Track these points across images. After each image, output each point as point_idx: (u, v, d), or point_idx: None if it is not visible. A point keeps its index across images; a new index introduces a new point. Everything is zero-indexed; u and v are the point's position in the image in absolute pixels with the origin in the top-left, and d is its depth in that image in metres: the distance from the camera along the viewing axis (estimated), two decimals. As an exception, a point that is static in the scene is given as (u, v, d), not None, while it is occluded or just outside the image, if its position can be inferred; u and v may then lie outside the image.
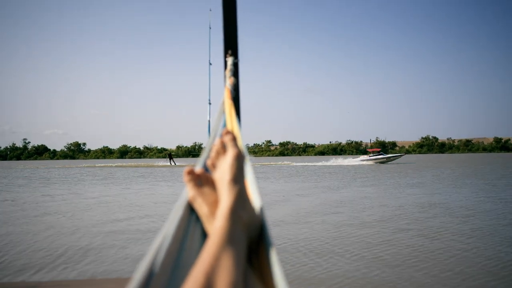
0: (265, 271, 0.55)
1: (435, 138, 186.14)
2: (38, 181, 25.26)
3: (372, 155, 51.08)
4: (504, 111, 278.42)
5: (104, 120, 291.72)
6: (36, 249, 7.02)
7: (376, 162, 48.63)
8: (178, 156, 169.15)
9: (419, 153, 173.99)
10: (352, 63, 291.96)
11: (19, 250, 7.00)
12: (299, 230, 8.44)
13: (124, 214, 10.80)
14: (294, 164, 51.10)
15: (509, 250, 6.69)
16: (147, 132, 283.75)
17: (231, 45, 1.89)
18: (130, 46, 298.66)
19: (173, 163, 53.75)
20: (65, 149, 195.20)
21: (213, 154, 0.77)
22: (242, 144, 0.85)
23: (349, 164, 48.35)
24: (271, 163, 56.22)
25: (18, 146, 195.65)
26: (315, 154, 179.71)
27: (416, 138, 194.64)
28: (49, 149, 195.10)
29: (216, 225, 0.57)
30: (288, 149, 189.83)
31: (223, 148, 0.76)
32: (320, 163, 50.71)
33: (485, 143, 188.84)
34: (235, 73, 1.80)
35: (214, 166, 0.76)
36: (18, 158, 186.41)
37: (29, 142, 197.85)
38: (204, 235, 0.67)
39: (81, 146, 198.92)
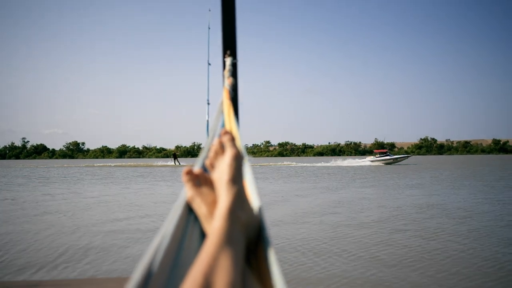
0: (263, 271, 0.55)
1: (434, 140, 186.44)
2: (38, 180, 25.25)
3: (379, 156, 50.86)
4: (503, 113, 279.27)
5: (103, 120, 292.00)
6: (36, 249, 7.01)
7: (383, 163, 48.47)
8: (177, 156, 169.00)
9: (418, 154, 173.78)
10: (351, 64, 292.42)
11: (19, 249, 6.99)
12: (297, 230, 8.44)
13: (124, 213, 10.79)
14: (301, 165, 50.86)
15: (506, 251, 6.70)
16: (146, 132, 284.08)
17: (230, 46, 1.89)
18: (129, 46, 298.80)
19: (177, 163, 53.61)
20: (64, 149, 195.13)
21: (211, 154, 0.77)
22: (240, 144, 0.85)
23: (355, 164, 48.15)
24: (277, 163, 56.20)
25: (17, 145, 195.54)
26: (314, 155, 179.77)
27: (414, 139, 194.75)
28: (48, 149, 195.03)
29: (215, 225, 0.57)
30: (287, 150, 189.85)
31: (222, 148, 0.76)
32: (325, 164, 50.64)
33: (484, 144, 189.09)
34: (234, 73, 1.80)
35: (212, 166, 0.76)
36: (17, 157, 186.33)
37: (28, 141, 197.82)
38: (202, 235, 0.67)
39: (80, 145, 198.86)
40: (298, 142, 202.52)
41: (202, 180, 0.72)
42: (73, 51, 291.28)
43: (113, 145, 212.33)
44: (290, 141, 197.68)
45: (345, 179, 23.83)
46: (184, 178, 0.71)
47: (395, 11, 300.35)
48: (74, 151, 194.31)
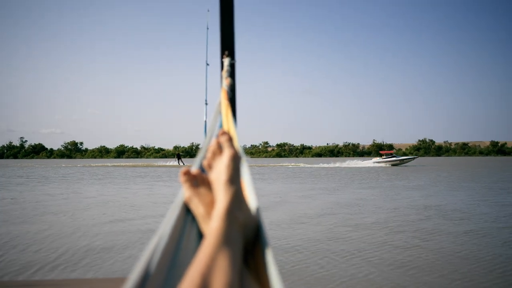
0: (261, 271, 0.55)
1: (432, 141, 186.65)
2: (37, 180, 25.19)
3: (385, 157, 50.78)
4: (501, 115, 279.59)
5: (102, 120, 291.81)
6: (36, 249, 6.98)
7: (389, 164, 48.43)
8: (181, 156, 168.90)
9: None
10: (350, 65, 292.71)
11: (19, 249, 6.96)
12: (294, 230, 8.45)
13: (124, 214, 10.79)
14: (309, 166, 50.73)
15: (502, 252, 6.72)
16: (145, 132, 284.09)
17: (228, 46, 1.89)
18: (128, 46, 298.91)
19: (181, 163, 53.49)
20: (62, 148, 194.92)
21: (209, 154, 0.77)
22: (238, 144, 0.85)
23: (361, 166, 47.97)
24: (283, 164, 56.24)
25: (15, 144, 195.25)
26: (312, 156, 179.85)
27: (413, 140, 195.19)
28: (46, 148, 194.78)
29: (212, 225, 0.57)
30: (285, 151, 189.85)
31: (219, 148, 0.76)
32: (333, 165, 50.60)
33: (482, 146, 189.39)
34: (232, 74, 1.80)
35: (210, 166, 0.76)
36: (15, 156, 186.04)
37: (26, 140, 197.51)
38: (200, 236, 0.67)
39: (78, 145, 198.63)
40: (297, 143, 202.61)
41: (199, 181, 0.72)
42: (72, 51, 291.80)
43: (112, 145, 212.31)
44: (288, 142, 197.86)
45: (356, 180, 23.88)
46: (181, 178, 0.72)
47: (395, 13, 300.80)
48: (72, 151, 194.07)
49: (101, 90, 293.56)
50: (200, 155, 0.84)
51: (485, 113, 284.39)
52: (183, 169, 0.72)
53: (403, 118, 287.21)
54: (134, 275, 0.44)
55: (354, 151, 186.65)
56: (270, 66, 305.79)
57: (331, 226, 9.04)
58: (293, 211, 11.24)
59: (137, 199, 14.31)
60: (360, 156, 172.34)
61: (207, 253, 0.50)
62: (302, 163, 59.40)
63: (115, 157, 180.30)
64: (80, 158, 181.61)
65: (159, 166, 49.75)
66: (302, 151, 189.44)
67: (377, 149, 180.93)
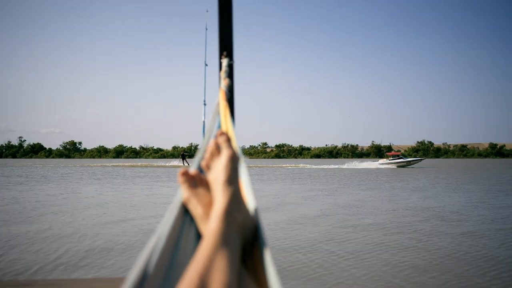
0: (259, 272, 0.55)
1: (431, 143, 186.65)
2: (37, 179, 25.16)
3: (391, 158, 50.62)
4: (500, 117, 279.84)
5: (101, 120, 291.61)
6: (36, 249, 6.98)
7: (396, 166, 48.25)
8: (174, 156, 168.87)
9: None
10: (349, 66, 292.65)
11: (19, 249, 6.95)
12: (293, 231, 8.46)
13: (124, 214, 10.79)
14: (316, 167, 50.68)
15: (499, 254, 6.73)
16: (143, 132, 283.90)
17: (226, 47, 1.89)
18: (128, 47, 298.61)
19: (186, 164, 53.41)
20: (61, 148, 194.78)
21: (207, 155, 0.77)
22: (236, 145, 0.86)
23: (367, 167, 47.79)
24: (289, 165, 56.30)
25: (14, 144, 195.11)
26: (311, 157, 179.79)
27: (411, 142, 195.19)
28: (45, 148, 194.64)
29: (211, 226, 0.57)
30: (284, 152, 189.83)
31: (218, 149, 0.76)
32: (337, 166, 50.60)
33: (481, 148, 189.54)
34: (230, 74, 1.80)
35: (208, 167, 0.76)
36: (14, 156, 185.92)
37: (25, 140, 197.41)
38: (198, 236, 0.67)
39: (77, 145, 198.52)
40: (295, 144, 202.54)
41: (198, 181, 0.72)
42: (72, 51, 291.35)
43: (110, 145, 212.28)
44: (287, 142, 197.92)
45: (367, 181, 23.90)
46: (179, 179, 0.72)
47: (393, 12, 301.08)
48: (71, 150, 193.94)
49: (101, 90, 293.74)
50: (198, 155, 0.84)
51: (484, 115, 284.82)
52: (181, 170, 0.72)
53: (402, 119, 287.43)
54: (133, 275, 0.44)
55: (353, 152, 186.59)
56: (269, 67, 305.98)
57: (329, 227, 9.05)
58: (292, 211, 11.26)
59: (137, 199, 14.31)
60: (359, 157, 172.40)
61: (205, 253, 0.50)
62: (308, 164, 59.29)
63: (113, 157, 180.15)
64: (79, 158, 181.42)
65: (163, 166, 49.69)
66: (301, 152, 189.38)
67: (376, 151, 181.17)
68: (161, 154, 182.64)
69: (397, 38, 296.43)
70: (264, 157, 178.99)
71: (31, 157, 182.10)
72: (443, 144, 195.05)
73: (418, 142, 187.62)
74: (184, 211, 0.68)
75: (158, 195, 15.98)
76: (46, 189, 18.23)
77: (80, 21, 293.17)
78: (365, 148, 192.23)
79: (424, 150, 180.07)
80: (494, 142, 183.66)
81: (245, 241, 0.61)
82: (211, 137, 0.90)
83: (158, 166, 50.30)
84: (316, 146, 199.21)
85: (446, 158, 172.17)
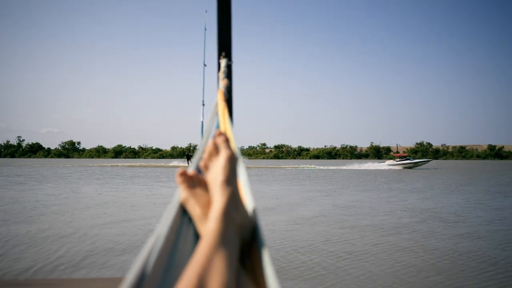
0: (257, 272, 0.55)
1: (429, 144, 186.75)
2: (36, 179, 25.13)
3: (398, 160, 50.47)
4: (499, 118, 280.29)
5: (100, 120, 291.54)
6: (35, 248, 6.97)
7: (403, 167, 48.09)
8: (173, 156, 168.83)
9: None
10: (348, 67, 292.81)
11: (19, 249, 6.95)
12: (291, 231, 8.47)
13: (124, 214, 10.79)
14: (320, 167, 50.68)
15: (496, 255, 6.75)
16: (142, 133, 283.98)
17: (225, 47, 1.89)
18: (127, 47, 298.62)
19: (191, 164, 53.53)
20: (60, 148, 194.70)
21: (205, 155, 0.77)
22: (235, 145, 0.85)
23: (374, 168, 47.74)
24: (297, 166, 56.36)
25: (13, 143, 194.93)
26: (310, 158, 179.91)
27: (410, 143, 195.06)
28: (44, 147, 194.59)
29: (209, 226, 0.57)
30: (282, 152, 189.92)
31: (216, 149, 0.76)
32: (345, 167, 50.63)
33: (479, 150, 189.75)
34: (229, 75, 1.80)
35: (206, 167, 0.76)
36: (12, 155, 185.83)
37: (24, 140, 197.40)
38: (196, 237, 0.67)
39: (76, 145, 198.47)
40: (294, 144, 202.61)
41: (196, 182, 0.71)
42: (71, 51, 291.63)
43: (109, 145, 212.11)
44: (286, 143, 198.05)
45: (373, 182, 23.91)
46: (178, 179, 0.71)
47: (392, 14, 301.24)
48: (70, 150, 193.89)
49: (99, 90, 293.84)
50: (196, 156, 0.84)
51: (483, 116, 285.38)
52: (179, 170, 0.72)
53: (401, 120, 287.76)
54: (131, 275, 0.44)
55: (351, 153, 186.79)
56: (267, 67, 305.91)
57: (327, 227, 9.06)
58: (291, 212, 11.27)
59: (137, 199, 14.32)
60: (358, 159, 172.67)
61: (204, 254, 0.50)
62: (315, 165, 59.19)
63: (112, 157, 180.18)
64: (78, 157, 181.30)
65: (164, 166, 49.68)
66: (300, 153, 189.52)
67: (374, 152, 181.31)
68: (160, 154, 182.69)
69: (396, 38, 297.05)
70: (263, 158, 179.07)
71: (29, 156, 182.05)
72: (442, 145, 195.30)
73: (417, 143, 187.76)
74: (183, 211, 0.68)
75: (158, 195, 15.98)
76: (45, 189, 18.21)
77: (80, 21, 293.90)
78: (364, 149, 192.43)
79: (423, 152, 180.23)
80: (493, 144, 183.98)
81: (243, 241, 0.61)
82: (209, 138, 0.90)
83: (160, 166, 50.29)
84: (315, 147, 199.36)
85: (444, 159, 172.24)
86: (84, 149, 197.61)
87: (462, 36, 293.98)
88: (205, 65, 2.59)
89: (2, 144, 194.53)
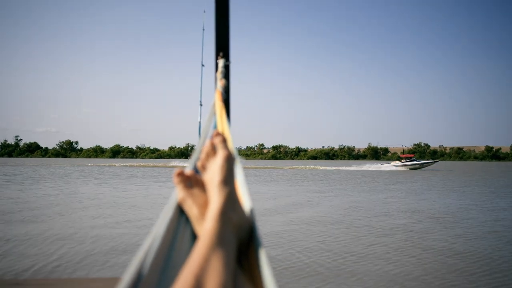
0: (254, 272, 0.55)
1: (427, 145, 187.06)
2: (35, 179, 25.09)
3: (404, 161, 50.26)
4: (497, 120, 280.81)
5: (98, 120, 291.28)
6: (36, 248, 6.97)
7: (409, 168, 48.07)
8: (170, 157, 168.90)
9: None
10: (346, 68, 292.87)
11: (19, 249, 6.94)
12: (289, 231, 8.48)
13: (124, 214, 10.79)
14: (328, 168, 50.76)
15: (492, 255, 6.77)
16: (140, 132, 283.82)
17: (222, 47, 1.89)
18: (126, 47, 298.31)
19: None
20: (57, 147, 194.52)
21: (203, 155, 0.77)
22: (232, 146, 0.85)
23: (380, 169, 47.72)
24: (303, 166, 56.42)
25: (10, 143, 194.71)
26: (308, 158, 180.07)
27: (408, 144, 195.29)
28: (41, 147, 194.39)
29: (206, 226, 0.57)
30: (280, 153, 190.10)
31: (213, 149, 0.76)
32: (351, 168, 50.65)
33: (477, 151, 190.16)
34: (226, 75, 1.80)
35: (204, 167, 0.76)
36: (10, 155, 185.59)
37: (21, 139, 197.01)
38: (194, 237, 0.67)
39: (73, 144, 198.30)
40: (292, 145, 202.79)
41: (193, 182, 0.71)
42: (70, 51, 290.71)
43: (107, 144, 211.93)
44: (284, 144, 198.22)
45: (390, 182, 23.95)
46: (175, 179, 0.71)
47: (392, 14, 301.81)
48: (67, 150, 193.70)
49: (97, 89, 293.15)
50: (194, 156, 0.84)
51: (480, 118, 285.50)
52: (176, 170, 0.72)
53: (399, 121, 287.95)
54: (127, 276, 0.44)
55: (349, 154, 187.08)
56: (266, 67, 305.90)
57: (324, 228, 9.07)
58: (286, 214, 11.29)
59: (137, 199, 14.32)
60: (355, 159, 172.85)
61: (201, 254, 0.50)
62: (322, 166, 59.19)
63: (110, 157, 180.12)
64: (75, 157, 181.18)
65: (167, 167, 49.74)
66: (298, 154, 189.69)
67: (372, 153, 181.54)
68: (158, 155, 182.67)
69: (395, 39, 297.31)
70: (261, 158, 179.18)
71: (27, 156, 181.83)
72: (440, 146, 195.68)
73: (414, 144, 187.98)
74: (180, 211, 0.68)
75: (157, 195, 15.98)
76: (44, 189, 18.20)
77: (80, 21, 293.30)
78: (361, 150, 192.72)
79: (421, 153, 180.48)
80: (490, 145, 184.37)
81: (240, 241, 0.61)
82: (207, 138, 0.90)
83: (161, 166, 50.37)
84: (313, 148, 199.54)
85: (442, 160, 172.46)
86: (81, 149, 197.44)
87: (460, 37, 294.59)
88: (203, 65, 2.58)
89: (0, 144, 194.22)
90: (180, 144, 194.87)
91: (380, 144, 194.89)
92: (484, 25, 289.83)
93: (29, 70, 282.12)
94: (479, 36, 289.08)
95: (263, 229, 8.75)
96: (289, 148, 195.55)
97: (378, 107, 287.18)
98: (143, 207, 12.27)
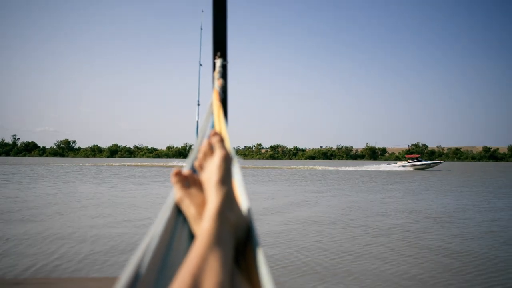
0: (252, 272, 0.55)
1: (425, 146, 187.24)
2: (35, 178, 25.03)
3: (410, 161, 50.09)
4: (494, 120, 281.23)
5: (96, 119, 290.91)
6: (36, 249, 6.94)
7: (415, 169, 47.86)
8: (168, 156, 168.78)
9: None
10: (344, 68, 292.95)
11: (18, 249, 6.92)
12: (286, 232, 8.48)
13: (124, 214, 10.77)
14: (333, 168, 50.76)
15: (487, 256, 6.79)
16: (138, 132, 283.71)
17: (220, 47, 1.89)
18: (123, 47, 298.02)
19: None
20: (55, 147, 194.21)
21: (200, 155, 0.77)
22: (229, 145, 0.86)
23: (386, 170, 47.59)
24: (303, 167, 56.45)
25: (8, 142, 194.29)
26: (305, 158, 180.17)
27: (406, 145, 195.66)
28: (39, 146, 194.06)
29: (204, 226, 0.57)
30: (278, 153, 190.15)
31: (211, 149, 0.76)
32: (355, 168, 50.59)
33: (474, 151, 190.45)
34: (224, 75, 1.80)
35: (201, 167, 0.76)
36: (7, 154, 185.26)
37: (19, 138, 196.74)
38: (191, 236, 0.67)
39: (71, 144, 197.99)
40: (290, 145, 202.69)
41: (191, 181, 0.71)
42: (68, 51, 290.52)
43: (104, 144, 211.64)
44: (282, 144, 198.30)
45: (401, 183, 23.96)
46: (173, 179, 0.71)
47: (392, 14, 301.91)
48: (65, 149, 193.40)
49: (95, 89, 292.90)
50: (191, 155, 0.84)
51: (478, 118, 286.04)
52: (174, 170, 0.72)
53: (396, 122, 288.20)
54: (125, 275, 0.44)
55: (347, 154, 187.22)
56: (264, 68, 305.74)
57: (321, 228, 9.07)
58: (284, 214, 11.29)
59: (137, 199, 14.29)
60: (353, 159, 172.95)
61: (198, 253, 0.50)
62: (324, 166, 59.14)
63: (107, 157, 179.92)
64: (73, 156, 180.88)
65: (166, 166, 49.74)
66: (296, 154, 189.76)
67: (370, 153, 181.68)
68: (156, 154, 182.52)
69: (394, 39, 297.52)
70: (259, 158, 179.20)
71: (24, 155, 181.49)
72: (437, 146, 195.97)
73: (412, 144, 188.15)
74: (177, 211, 0.68)
75: (157, 195, 15.95)
76: (42, 188, 18.15)
77: (79, 21, 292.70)
78: (359, 150, 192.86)
79: (418, 153, 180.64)
80: (488, 146, 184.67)
81: (238, 241, 0.61)
82: (204, 137, 0.90)
83: (162, 166, 50.39)
84: (311, 148, 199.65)
85: (439, 161, 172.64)
86: (79, 148, 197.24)
87: (459, 38, 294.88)
88: (200, 65, 2.58)
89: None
90: (178, 143, 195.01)
91: (378, 144, 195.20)
92: (484, 25, 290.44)
93: (28, 70, 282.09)
94: (479, 36, 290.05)
95: (261, 228, 8.74)
96: (287, 148, 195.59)
97: (377, 107, 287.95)
98: (142, 206, 12.26)
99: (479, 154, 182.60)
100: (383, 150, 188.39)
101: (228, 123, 1.66)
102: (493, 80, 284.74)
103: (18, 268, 5.78)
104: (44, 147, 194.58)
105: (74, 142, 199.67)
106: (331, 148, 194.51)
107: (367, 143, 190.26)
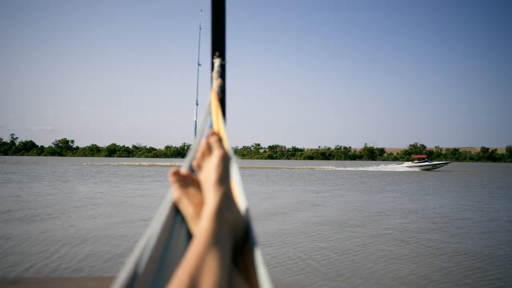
0: (250, 271, 0.55)
1: (423, 146, 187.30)
2: (34, 178, 25.00)
3: (417, 161, 50.07)
4: (492, 121, 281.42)
5: (94, 118, 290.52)
6: (35, 248, 6.94)
7: (422, 169, 47.78)
8: (167, 156, 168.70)
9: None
10: (343, 68, 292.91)
11: (17, 249, 6.91)
12: (284, 231, 8.49)
13: (124, 214, 10.76)
14: (341, 169, 50.89)
15: (485, 256, 6.80)
16: (137, 132, 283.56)
17: (218, 47, 1.89)
18: (122, 47, 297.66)
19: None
20: (53, 146, 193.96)
21: (198, 155, 0.77)
22: (228, 145, 0.85)
23: (392, 170, 47.65)
24: (311, 167, 56.57)
25: (6, 141, 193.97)
26: (304, 158, 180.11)
27: (404, 145, 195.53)
28: (37, 145, 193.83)
29: (201, 226, 0.57)
30: (277, 153, 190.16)
31: (209, 149, 0.76)
32: (362, 169, 50.70)
33: (472, 152, 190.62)
34: (222, 74, 1.80)
35: (199, 167, 0.76)
36: (5, 153, 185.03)
37: (17, 137, 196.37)
38: (189, 236, 0.67)
39: (69, 143, 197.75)
40: (288, 145, 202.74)
41: (189, 181, 0.71)
42: (69, 51, 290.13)
43: (103, 143, 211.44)
44: (280, 144, 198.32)
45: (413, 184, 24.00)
46: (171, 179, 0.71)
47: (392, 15, 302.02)
48: (63, 148, 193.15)
49: (94, 88, 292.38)
50: (189, 155, 0.83)
51: (476, 119, 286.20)
52: (172, 170, 0.72)
53: (395, 122, 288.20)
54: (123, 275, 0.44)
55: (345, 154, 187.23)
56: (263, 68, 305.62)
57: (318, 228, 9.08)
58: (282, 214, 11.30)
59: (135, 198, 14.28)
60: (351, 160, 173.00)
61: (196, 253, 0.50)
62: (330, 166, 59.23)
63: (106, 156, 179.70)
64: (71, 156, 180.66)
65: (168, 166, 49.82)
66: (294, 154, 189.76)
67: (368, 153, 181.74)
68: (154, 154, 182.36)
69: (394, 40, 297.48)
70: (257, 158, 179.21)
71: (22, 154, 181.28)
72: (436, 147, 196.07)
73: (410, 145, 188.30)
74: (175, 211, 0.68)
75: (155, 194, 15.94)
76: (41, 187, 18.14)
77: (79, 21, 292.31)
78: (357, 150, 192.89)
79: (416, 153, 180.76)
80: (486, 147, 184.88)
81: (236, 240, 0.61)
82: (202, 137, 0.89)
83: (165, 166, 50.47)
84: (309, 148, 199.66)
85: (438, 161, 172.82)
86: (77, 148, 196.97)
87: (458, 39, 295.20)
88: (199, 64, 2.57)
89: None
90: (177, 143, 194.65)
91: (376, 144, 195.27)
92: (484, 27, 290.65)
93: (27, 69, 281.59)
94: (479, 37, 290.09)
95: (259, 228, 8.74)
96: (285, 148, 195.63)
97: (376, 108, 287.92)
98: (141, 206, 12.25)
99: (477, 154, 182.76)
100: (381, 151, 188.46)
101: (226, 123, 1.66)
102: (492, 81, 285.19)
103: (18, 267, 5.77)
104: (42, 146, 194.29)
105: (72, 141, 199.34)
106: (329, 148, 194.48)
107: (365, 144, 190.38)
